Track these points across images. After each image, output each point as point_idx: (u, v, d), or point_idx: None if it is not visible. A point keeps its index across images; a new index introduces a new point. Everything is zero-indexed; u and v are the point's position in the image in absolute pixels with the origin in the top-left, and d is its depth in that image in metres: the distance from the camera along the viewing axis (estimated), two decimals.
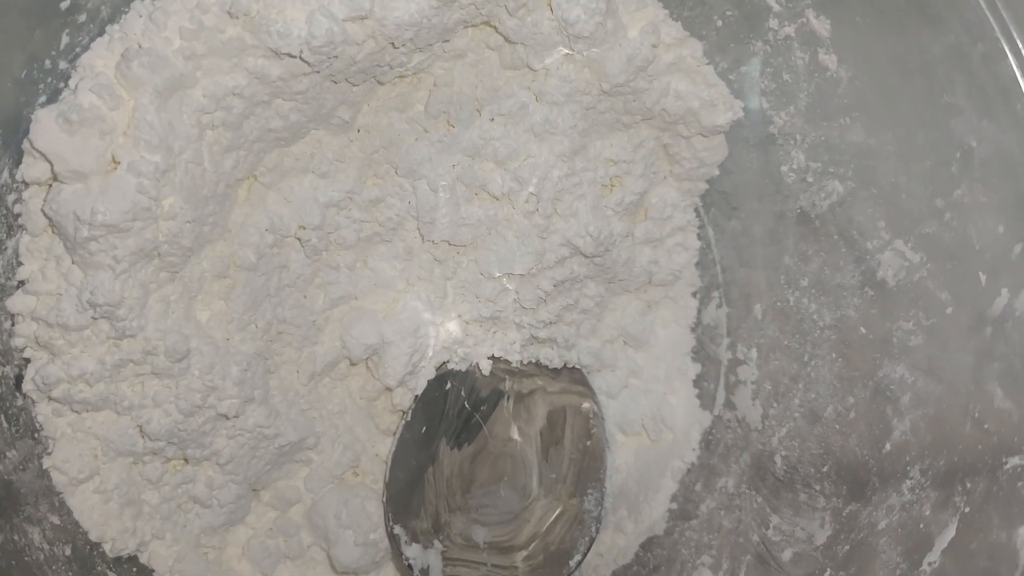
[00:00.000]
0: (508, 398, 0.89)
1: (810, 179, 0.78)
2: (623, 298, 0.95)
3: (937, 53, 0.63)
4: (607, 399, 0.95)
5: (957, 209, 0.65)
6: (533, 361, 0.90)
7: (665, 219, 0.91)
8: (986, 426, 0.63)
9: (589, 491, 0.87)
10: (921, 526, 0.66)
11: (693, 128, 0.84)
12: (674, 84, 0.82)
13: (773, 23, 0.73)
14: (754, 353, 0.88)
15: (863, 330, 0.75)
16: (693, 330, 0.96)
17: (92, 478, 0.76)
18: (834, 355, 0.78)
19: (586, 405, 0.90)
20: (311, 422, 0.85)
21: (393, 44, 0.74)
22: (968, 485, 0.63)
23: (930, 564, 0.63)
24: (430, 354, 0.87)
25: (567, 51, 0.80)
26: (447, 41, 0.79)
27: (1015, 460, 0.60)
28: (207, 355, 0.75)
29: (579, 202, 0.85)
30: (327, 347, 0.86)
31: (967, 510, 0.63)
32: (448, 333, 0.88)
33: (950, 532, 0.64)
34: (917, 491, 0.67)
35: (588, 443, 0.89)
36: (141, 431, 0.75)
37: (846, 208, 0.75)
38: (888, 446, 0.70)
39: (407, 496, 0.84)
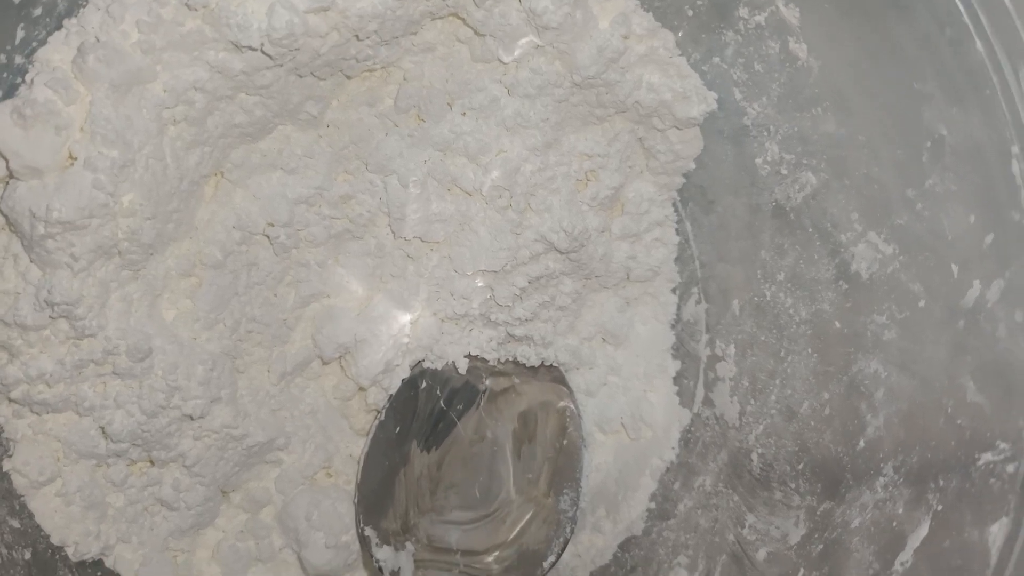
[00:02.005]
0: (484, 397, 0.88)
1: (784, 171, 0.77)
2: (601, 295, 0.93)
3: (905, 39, 0.61)
4: (586, 397, 0.93)
5: (928, 199, 0.64)
6: (510, 359, 0.89)
7: (642, 214, 0.90)
8: (959, 421, 0.61)
9: (565, 491, 0.85)
10: (894, 524, 0.64)
11: (667, 121, 0.83)
12: (647, 76, 0.80)
13: (743, 12, 0.72)
14: (732, 349, 0.86)
15: (838, 324, 0.73)
16: (673, 327, 0.95)
17: (54, 481, 0.75)
18: (809, 350, 0.77)
19: (563, 404, 0.88)
20: (281, 422, 0.83)
21: (357, 36, 0.73)
22: (941, 482, 0.62)
23: (902, 564, 0.62)
24: (404, 352, 0.86)
25: (537, 43, 0.78)
26: (415, 34, 0.77)
27: (988, 456, 0.59)
28: (171, 354, 0.74)
29: (553, 197, 0.83)
30: (298, 346, 0.84)
31: (940, 508, 0.62)
32: (423, 331, 0.86)
33: (923, 531, 0.62)
34: (890, 488, 0.65)
35: (564, 442, 0.87)
36: (104, 432, 0.74)
37: (820, 200, 0.74)
38: (862, 442, 0.69)
39: (379, 498, 0.83)
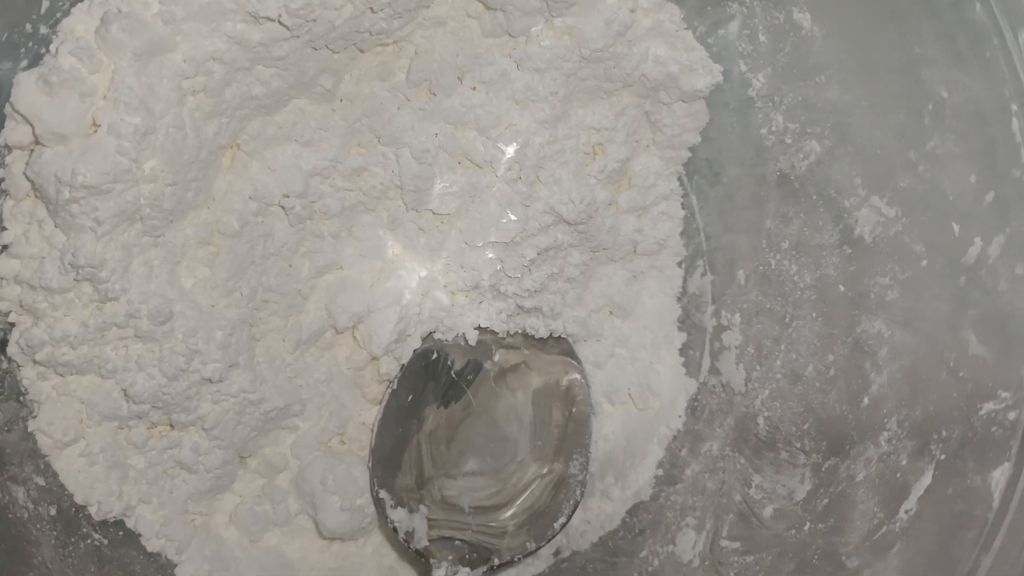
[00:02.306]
0: (494, 368, 0.90)
1: (789, 140, 0.78)
2: (608, 268, 0.95)
3: (907, 3, 0.63)
4: (594, 368, 0.95)
5: (930, 161, 0.65)
6: (519, 331, 0.90)
7: (648, 187, 0.91)
8: (961, 374, 0.63)
9: (575, 456, 0.87)
10: (898, 475, 0.66)
11: (673, 94, 0.85)
12: (653, 49, 0.82)
13: None
14: (737, 318, 0.88)
15: (842, 288, 0.75)
16: (679, 299, 0.97)
17: (77, 441, 0.76)
18: (814, 315, 0.78)
19: (571, 375, 0.90)
20: (297, 389, 0.85)
21: (372, 8, 0.75)
22: (944, 433, 0.64)
23: (907, 511, 0.64)
24: (415, 323, 0.87)
25: (546, 17, 0.80)
26: (427, 7, 0.79)
27: (989, 405, 0.60)
28: (191, 319, 0.75)
29: (561, 169, 0.85)
30: (312, 316, 0.86)
31: (943, 457, 0.63)
32: (434, 303, 0.88)
33: (926, 479, 0.64)
34: (894, 442, 0.67)
35: (573, 410, 0.89)
36: (125, 395, 0.75)
37: (824, 167, 0.76)
38: (866, 400, 0.71)
39: (393, 462, 0.85)
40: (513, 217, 0.85)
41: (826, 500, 0.71)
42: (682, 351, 0.96)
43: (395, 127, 0.83)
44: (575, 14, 0.79)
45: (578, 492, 0.85)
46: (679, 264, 0.96)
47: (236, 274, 0.80)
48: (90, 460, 0.76)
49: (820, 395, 0.76)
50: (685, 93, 0.84)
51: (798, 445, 0.77)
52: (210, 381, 0.77)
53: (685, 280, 0.96)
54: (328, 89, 0.81)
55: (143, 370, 0.75)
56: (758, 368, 0.85)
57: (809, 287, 0.79)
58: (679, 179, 0.93)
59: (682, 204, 0.94)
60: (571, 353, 0.92)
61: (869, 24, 0.67)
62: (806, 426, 0.77)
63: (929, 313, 0.67)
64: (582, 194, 0.85)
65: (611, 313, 0.97)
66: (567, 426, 0.89)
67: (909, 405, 0.67)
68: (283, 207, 0.82)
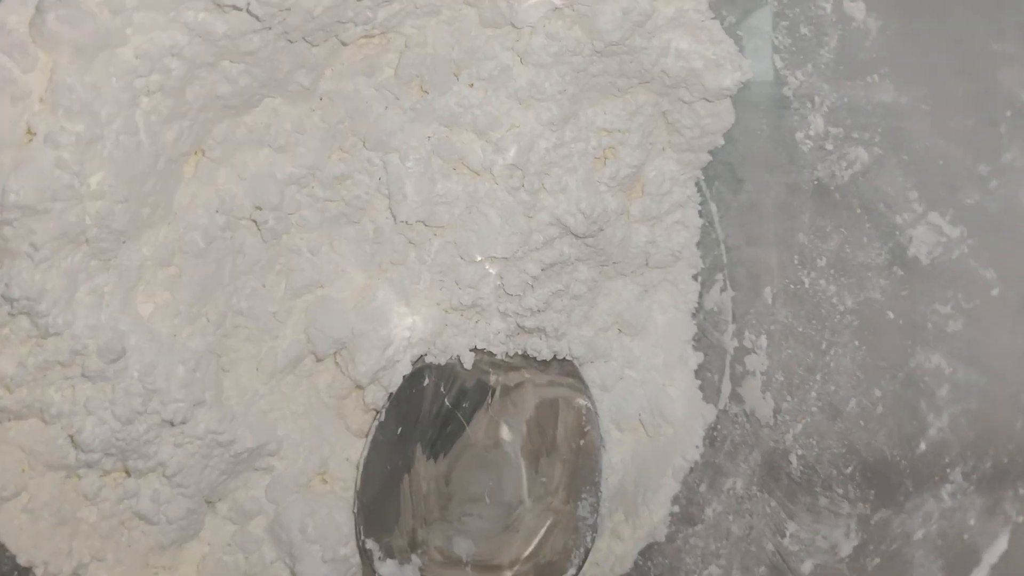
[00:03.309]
0: (493, 394, 0.81)
1: (829, 147, 0.69)
2: (618, 282, 0.86)
3: None
4: (601, 392, 0.87)
5: (1005, 175, 0.57)
6: (520, 353, 0.81)
7: (663, 195, 0.82)
8: None
9: (583, 496, 0.78)
10: (965, 537, 0.57)
11: (696, 92, 0.75)
12: (675, 42, 0.73)
13: None
14: (764, 341, 0.79)
15: (891, 314, 0.66)
16: (694, 316, 0.88)
17: (18, 495, 0.67)
18: (856, 342, 0.70)
19: (579, 400, 0.81)
20: (272, 425, 0.76)
21: None
22: (1021, 491, 0.55)
23: None
24: (405, 347, 0.78)
25: (555, 5, 0.70)
26: None
27: None
28: (148, 353, 0.66)
29: (569, 176, 0.76)
30: (289, 341, 0.77)
31: (1020, 520, 0.55)
32: (425, 323, 0.79)
33: (1000, 545, 0.55)
34: (959, 497, 0.59)
35: (581, 442, 0.80)
36: (73, 441, 0.66)
37: (871, 178, 0.67)
38: (923, 445, 0.62)
39: (381, 507, 0.75)
40: (515, 229, 0.75)
41: (877, 559, 0.63)
42: (698, 373, 0.87)
43: (382, 129, 0.74)
44: (587, 2, 0.69)
45: (588, 538, 0.76)
46: (695, 277, 0.88)
47: (201, 298, 0.70)
48: (33, 516, 0.67)
49: (865, 435, 0.67)
50: (709, 91, 0.74)
51: (840, 491, 0.68)
52: (171, 424, 0.68)
53: (701, 295, 0.87)
54: (306, 87, 0.71)
55: (93, 414, 0.65)
56: (789, 399, 0.76)
57: (850, 311, 0.70)
58: (696, 184, 0.84)
59: (699, 212, 0.85)
60: (577, 375, 0.83)
61: (935, 17, 0.58)
62: (849, 469, 0.68)
63: (1000, 349, 0.58)
64: (592, 204, 0.76)
65: (620, 331, 0.88)
66: (575, 461, 0.80)
67: (977, 455, 0.58)
68: (255, 221, 0.73)
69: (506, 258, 0.77)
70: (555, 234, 0.77)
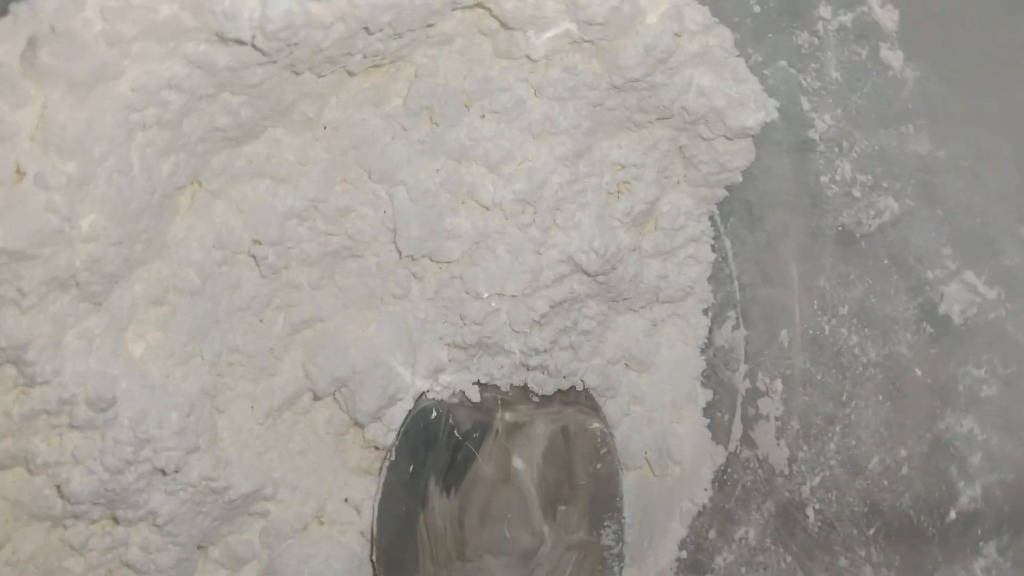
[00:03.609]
0: (501, 427, 0.78)
1: (857, 193, 0.67)
2: (626, 316, 0.84)
3: None
4: None
5: None
6: (525, 383, 0.79)
7: (677, 229, 0.79)
8: None
9: (606, 523, 0.76)
10: None
11: (716, 129, 0.72)
12: (697, 78, 0.70)
13: (824, 11, 0.61)
14: (779, 385, 0.77)
15: (919, 372, 0.64)
16: (703, 351, 0.85)
17: (2, 547, 0.63)
18: (880, 397, 0.67)
19: (593, 424, 0.79)
20: (267, 467, 0.72)
21: (367, 29, 0.61)
22: None
23: None
24: (408, 384, 0.75)
25: (574, 38, 0.67)
26: (431, 25, 0.65)
27: None
28: (139, 400, 0.62)
29: (582, 212, 0.73)
30: (287, 378, 0.73)
31: None
32: (428, 360, 0.76)
33: None
34: (994, 573, 0.56)
35: (599, 466, 0.78)
36: (60, 492, 0.62)
37: (901, 230, 0.64)
38: (953, 514, 0.60)
39: (399, 551, 0.73)
40: (525, 267, 0.72)
41: None
42: (707, 411, 0.85)
43: (388, 161, 0.70)
44: (608, 35, 0.66)
45: (616, 568, 0.74)
46: (705, 312, 0.85)
47: (196, 337, 0.67)
48: (18, 569, 0.63)
49: (890, 496, 0.65)
50: (731, 129, 0.72)
51: (862, 553, 0.66)
52: (163, 472, 0.64)
53: (712, 331, 0.85)
54: (310, 116, 0.67)
55: (80, 463, 0.62)
56: (805, 448, 0.73)
57: (874, 364, 0.68)
58: (710, 218, 0.81)
59: (712, 246, 0.82)
60: (589, 400, 0.81)
61: (981, 69, 0.55)
62: (872, 531, 0.65)
63: None
64: (605, 242, 0.73)
65: (627, 366, 0.85)
66: (594, 486, 0.77)
67: (1014, 530, 0.56)
68: (253, 255, 0.69)
69: (514, 295, 0.74)
70: (566, 271, 0.74)
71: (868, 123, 0.63)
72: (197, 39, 0.58)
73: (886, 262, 0.66)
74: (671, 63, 0.68)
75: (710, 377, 0.85)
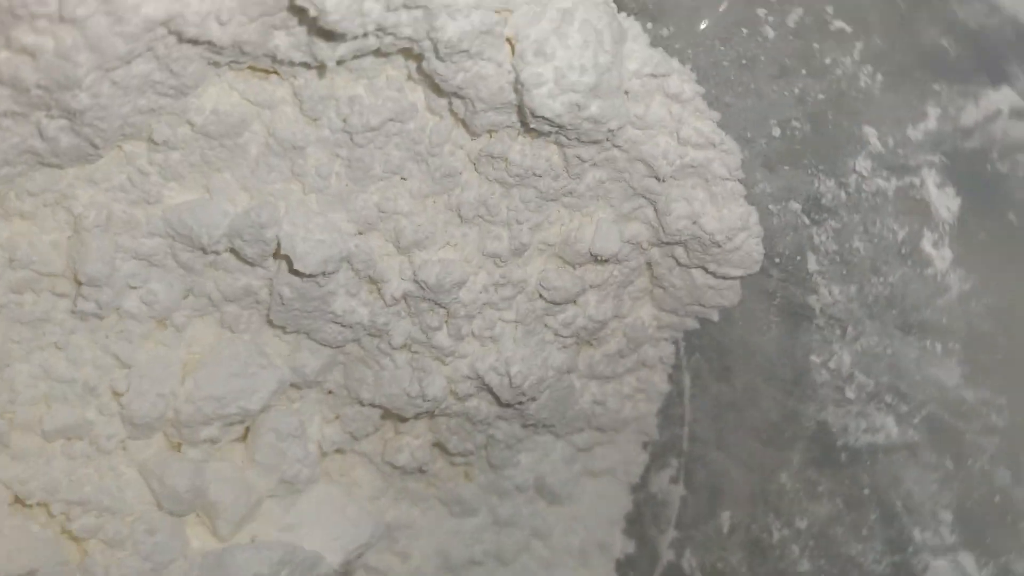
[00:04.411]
0: None
1: (851, 394, 0.51)
2: (545, 437, 0.68)
3: None
4: (497, 564, 0.69)
5: None
6: None
7: (629, 351, 0.64)
8: None
9: None
10: None
11: (695, 258, 0.56)
12: (687, 192, 0.54)
13: (862, 165, 0.44)
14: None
15: None
16: (633, 492, 0.70)
17: None
18: None
19: None
20: None
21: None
22: None
23: None
24: None
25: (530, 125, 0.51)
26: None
27: None
28: None
29: (505, 325, 0.57)
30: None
31: None
32: None
33: None
34: None
35: None
36: None
37: (895, 463, 0.49)
38: None
39: None
40: (414, 379, 0.57)
41: None
42: (620, 568, 0.70)
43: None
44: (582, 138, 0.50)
45: None
46: (644, 446, 0.70)
47: None
48: None
49: None
50: (714, 264, 0.56)
51: None
52: None
53: (648, 471, 0.69)
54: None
55: None
56: None
57: None
58: (674, 343, 0.66)
59: (669, 375, 0.67)
60: None
61: None
62: None
63: None
64: (528, 368, 0.58)
65: (537, 493, 0.70)
66: None
67: None
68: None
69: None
70: (471, 390, 0.59)
71: (885, 319, 0.47)
72: None
73: (866, 492, 0.51)
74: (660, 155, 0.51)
75: (634, 525, 0.71)
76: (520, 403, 0.60)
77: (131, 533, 0.56)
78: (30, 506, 0.55)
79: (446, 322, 0.57)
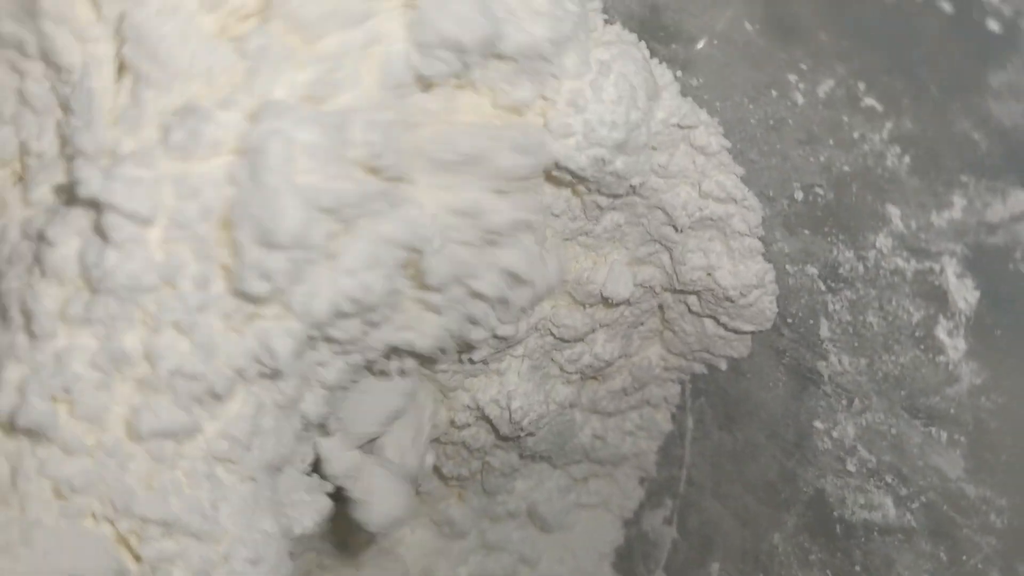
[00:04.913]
0: None
1: (851, 467, 0.50)
2: (541, 465, 0.67)
3: None
4: None
5: None
6: None
7: (635, 390, 0.63)
8: None
9: None
10: None
11: (708, 308, 0.55)
12: (704, 244, 0.52)
13: (883, 241, 0.43)
14: None
15: None
16: (626, 527, 0.70)
17: None
18: None
19: None
20: None
21: None
22: None
23: None
24: None
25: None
26: None
27: None
28: None
29: (512, 359, 0.57)
30: None
31: None
32: None
33: None
34: None
35: None
36: None
37: (891, 545, 0.47)
38: None
39: None
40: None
41: None
42: None
43: None
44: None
45: None
46: (641, 482, 0.69)
47: None
48: None
49: None
50: (726, 317, 0.54)
51: None
52: None
53: (643, 507, 0.69)
54: None
55: None
56: None
57: None
58: (680, 383, 0.65)
59: (673, 416, 0.66)
60: None
61: None
62: None
63: None
64: (528, 404, 0.57)
65: (528, 518, 0.70)
66: None
67: None
68: None
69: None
70: (469, 420, 0.58)
71: (893, 398, 0.46)
72: None
73: (857, 569, 0.50)
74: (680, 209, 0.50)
75: (623, 561, 0.70)
76: (516, 438, 0.59)
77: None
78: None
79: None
